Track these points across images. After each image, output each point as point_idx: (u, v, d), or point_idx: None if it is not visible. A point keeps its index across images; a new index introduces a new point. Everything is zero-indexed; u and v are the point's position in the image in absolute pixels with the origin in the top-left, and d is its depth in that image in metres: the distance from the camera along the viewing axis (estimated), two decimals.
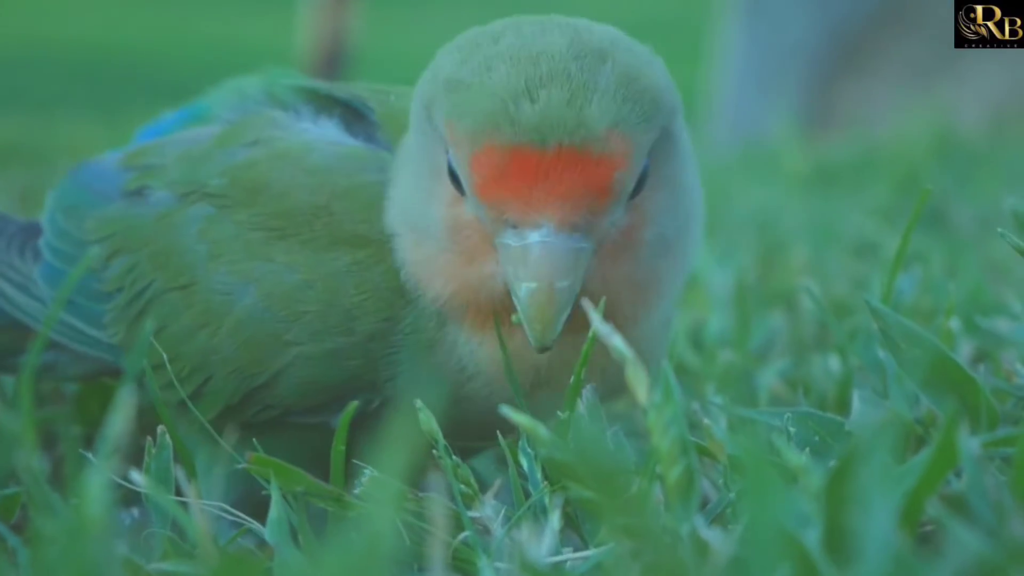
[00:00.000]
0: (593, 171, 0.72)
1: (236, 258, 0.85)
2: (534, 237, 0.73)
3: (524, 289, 0.73)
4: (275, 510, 0.74)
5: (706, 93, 5.43)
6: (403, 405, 0.79)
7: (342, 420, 0.78)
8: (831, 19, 5.02)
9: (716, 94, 5.24)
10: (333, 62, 6.17)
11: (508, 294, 0.76)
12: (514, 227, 0.73)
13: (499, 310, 0.78)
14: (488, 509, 0.74)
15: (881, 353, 0.91)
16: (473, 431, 0.82)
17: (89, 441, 0.94)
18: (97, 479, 0.60)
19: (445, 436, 0.77)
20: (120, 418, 0.64)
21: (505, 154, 0.72)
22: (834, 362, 1.15)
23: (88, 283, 0.91)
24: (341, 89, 0.93)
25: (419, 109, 0.79)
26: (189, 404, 0.83)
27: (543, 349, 0.74)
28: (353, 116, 0.90)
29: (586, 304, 0.73)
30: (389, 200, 0.82)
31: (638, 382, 0.68)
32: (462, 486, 0.75)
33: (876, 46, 4.99)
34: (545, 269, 0.73)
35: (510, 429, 0.75)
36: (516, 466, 0.77)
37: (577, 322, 0.75)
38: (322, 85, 0.95)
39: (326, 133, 0.89)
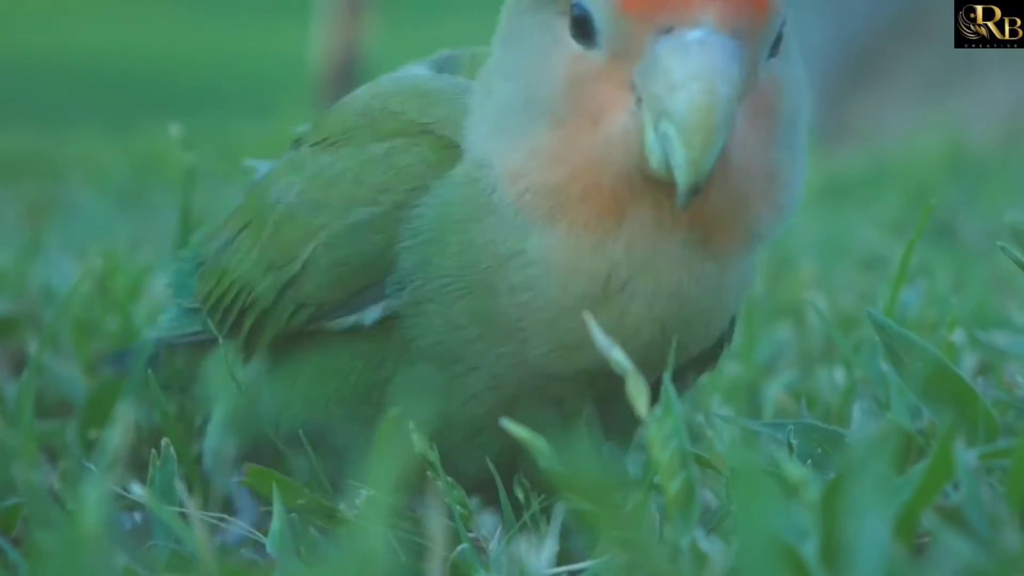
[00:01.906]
0: None
1: (292, 172, 0.86)
2: (694, 34, 0.67)
3: (683, 96, 0.66)
4: (277, 522, 0.74)
5: None
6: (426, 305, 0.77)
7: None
8: (844, 32, 5.02)
9: None
10: (346, 73, 6.18)
11: (639, 162, 0.69)
12: (668, 32, 0.68)
13: (624, 189, 0.71)
14: (485, 523, 0.74)
15: (883, 365, 0.91)
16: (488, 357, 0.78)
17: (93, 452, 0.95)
18: (95, 490, 0.60)
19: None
20: (119, 430, 0.64)
21: None
22: (839, 375, 1.15)
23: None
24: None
25: (519, 1, 0.76)
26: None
27: (694, 189, 0.67)
28: (446, 65, 0.88)
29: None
30: (468, 114, 0.78)
31: (639, 395, 0.67)
32: (457, 507, 0.75)
33: (889, 59, 4.99)
34: (707, 66, 0.66)
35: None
36: (503, 481, 0.77)
37: (683, 221, 0.70)
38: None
39: (415, 70, 0.88)
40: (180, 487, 0.74)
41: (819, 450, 0.84)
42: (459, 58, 0.88)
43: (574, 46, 0.71)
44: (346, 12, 6.62)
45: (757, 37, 0.70)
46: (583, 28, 0.71)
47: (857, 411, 0.90)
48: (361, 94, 0.88)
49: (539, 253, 0.73)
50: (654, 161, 0.68)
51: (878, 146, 3.72)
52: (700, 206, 0.69)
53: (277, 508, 0.75)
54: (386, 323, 0.79)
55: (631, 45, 0.69)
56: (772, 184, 0.73)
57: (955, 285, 1.59)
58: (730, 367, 1.24)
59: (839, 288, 1.63)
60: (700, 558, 0.65)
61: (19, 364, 1.24)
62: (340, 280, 0.80)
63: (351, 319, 0.80)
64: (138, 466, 0.99)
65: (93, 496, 0.59)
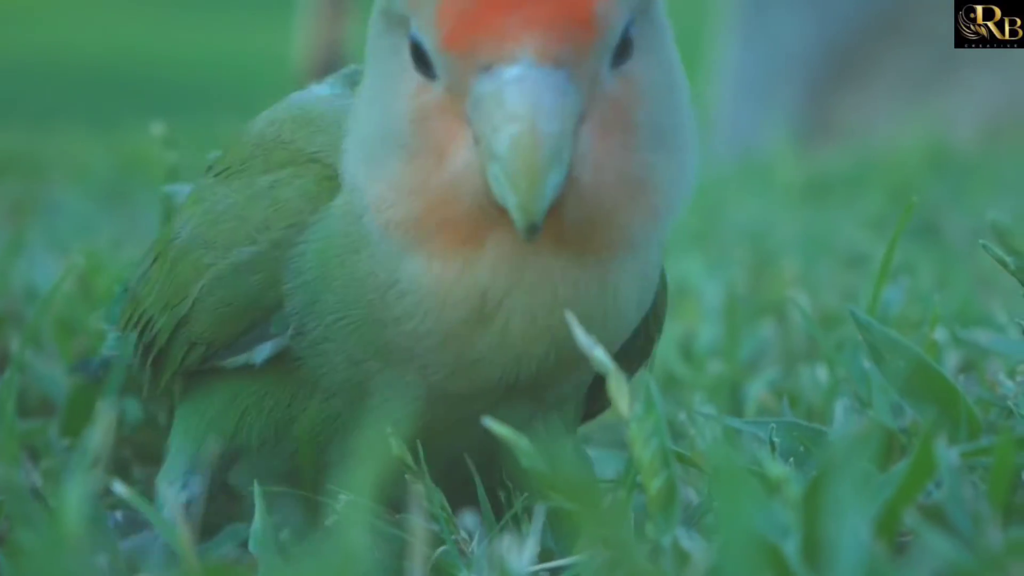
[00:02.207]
0: (575, 2, 0.65)
1: (193, 204, 0.85)
2: (511, 72, 0.64)
3: (503, 139, 0.64)
4: (259, 520, 0.74)
5: (702, 104, 5.44)
6: (319, 336, 0.76)
7: (303, 436, 0.76)
8: (827, 30, 5.03)
9: (712, 105, 5.24)
10: (328, 70, 6.17)
11: (486, 194, 0.66)
12: (488, 70, 0.65)
13: (475, 220, 0.69)
14: (466, 522, 0.74)
15: (866, 364, 0.91)
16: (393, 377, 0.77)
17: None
18: (77, 488, 0.60)
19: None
20: (101, 429, 0.64)
21: None
22: (822, 373, 1.15)
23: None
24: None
25: (376, 21, 0.73)
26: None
27: (531, 228, 0.64)
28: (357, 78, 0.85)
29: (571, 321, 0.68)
30: (345, 136, 0.76)
31: (620, 393, 0.67)
32: (439, 509, 0.74)
33: (872, 57, 4.99)
34: (525, 105, 0.64)
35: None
36: (481, 479, 0.77)
37: (546, 239, 0.67)
38: None
39: (319, 89, 0.87)
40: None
41: (801, 448, 0.84)
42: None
43: (417, 76, 0.69)
44: (328, 9, 6.62)
45: (587, 56, 0.66)
46: (421, 59, 0.69)
47: (839, 409, 0.90)
48: (260, 120, 0.86)
49: (411, 283, 0.72)
50: (495, 197, 0.66)
51: (861, 144, 3.73)
52: (556, 228, 0.67)
53: (259, 505, 0.75)
54: (286, 361, 0.78)
55: (460, 81, 0.67)
56: (641, 189, 0.70)
57: (938, 283, 1.60)
58: (713, 365, 1.24)
59: (822, 286, 1.64)
60: (682, 556, 0.65)
61: (1, 363, 1.24)
62: (226, 320, 0.79)
63: (241, 358, 0.79)
64: (119, 465, 1.00)
65: (75, 494, 0.59)
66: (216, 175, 0.85)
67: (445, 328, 0.72)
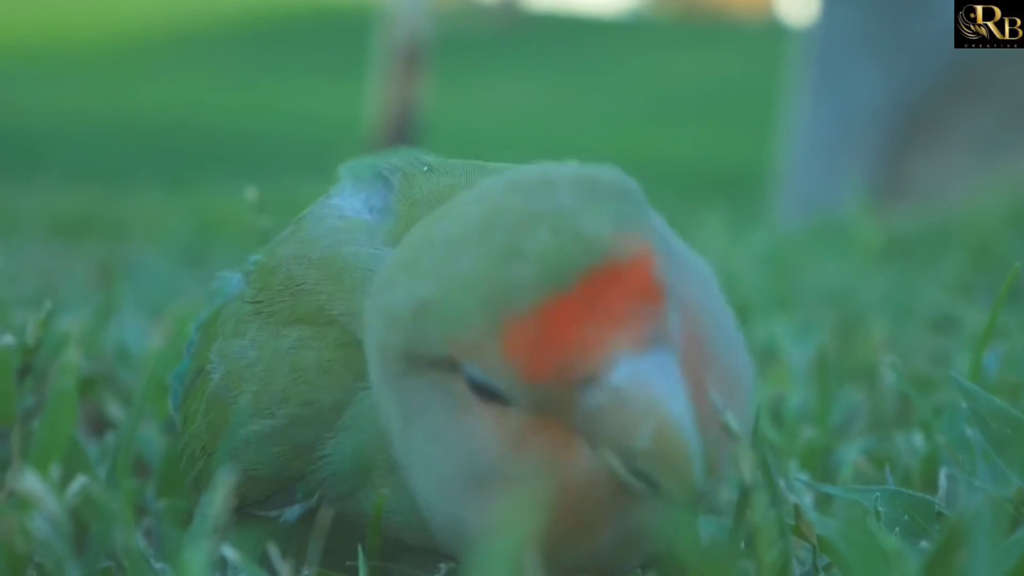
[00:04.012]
0: (631, 277, 0.62)
1: (225, 336, 0.83)
2: (619, 375, 0.61)
3: (644, 438, 0.61)
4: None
5: (773, 163, 5.43)
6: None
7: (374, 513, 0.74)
8: (900, 88, 5.01)
9: (785, 165, 5.23)
10: (402, 132, 6.22)
11: (614, 492, 0.63)
12: (589, 383, 0.62)
13: (601, 521, 0.65)
14: None
15: (969, 431, 0.91)
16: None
17: (175, 514, 0.95)
18: (198, 556, 0.60)
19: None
20: (219, 496, 0.65)
21: (532, 321, 0.61)
22: (918, 439, 1.14)
23: None
24: (395, 156, 0.85)
25: (391, 364, 0.68)
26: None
27: (696, 500, 0.62)
28: (385, 186, 0.82)
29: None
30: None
31: (745, 460, 0.66)
32: None
33: (945, 114, 4.97)
34: (650, 399, 0.61)
35: None
36: None
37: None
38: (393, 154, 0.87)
39: (346, 203, 0.82)
40: (273, 550, 0.74)
41: (906, 517, 0.83)
42: (390, 182, 0.82)
43: (487, 406, 0.64)
44: (401, 71, 6.67)
45: (665, 322, 0.63)
46: (487, 394, 0.64)
47: (943, 477, 0.89)
48: (287, 251, 0.82)
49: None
50: (636, 488, 0.63)
51: (938, 204, 3.70)
52: None
53: (362, 570, 0.75)
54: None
55: (556, 403, 0.63)
56: (736, 395, 0.68)
57: None
58: (805, 431, 1.23)
59: (910, 350, 1.63)
60: None
61: (97, 423, 1.25)
62: (252, 483, 0.78)
63: (273, 514, 0.78)
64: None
65: (197, 560, 0.60)
66: (252, 304, 0.82)
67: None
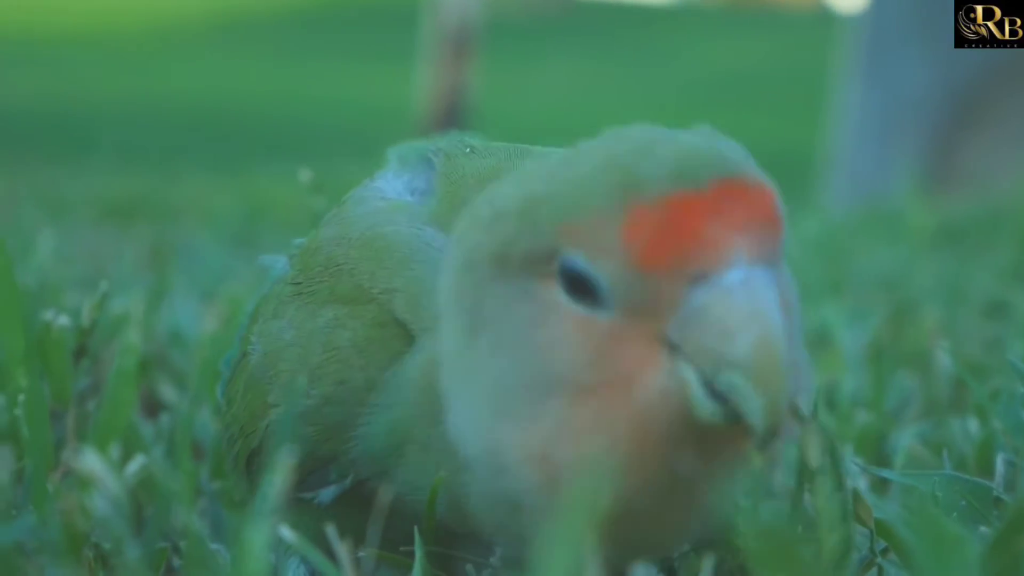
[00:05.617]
0: (757, 199, 0.64)
1: (265, 318, 0.83)
2: (734, 276, 0.62)
3: (743, 344, 0.61)
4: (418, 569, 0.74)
5: (823, 149, 5.41)
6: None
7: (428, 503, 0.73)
8: (950, 75, 4.97)
9: (834, 151, 5.21)
10: (451, 118, 6.23)
11: (684, 418, 0.63)
12: (702, 279, 0.63)
13: (667, 447, 0.64)
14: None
15: None
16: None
17: (226, 495, 0.96)
18: (259, 536, 0.60)
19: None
20: (279, 477, 0.65)
21: (661, 208, 0.62)
22: (973, 424, 1.13)
23: None
24: (441, 140, 0.86)
25: (477, 269, 0.69)
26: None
27: (770, 434, 0.62)
28: (428, 167, 0.83)
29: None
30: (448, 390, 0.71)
31: (812, 444, 0.66)
32: None
33: (995, 101, 4.93)
34: (760, 305, 0.62)
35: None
36: None
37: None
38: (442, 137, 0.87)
39: (388, 186, 0.83)
40: (331, 531, 0.74)
41: (963, 502, 0.83)
42: (433, 164, 0.82)
43: (575, 310, 0.65)
44: (450, 57, 6.68)
45: (779, 252, 0.66)
46: (582, 289, 0.65)
47: (1000, 462, 0.89)
48: (328, 233, 0.83)
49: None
50: (707, 414, 0.63)
51: (988, 189, 3.68)
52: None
53: (418, 552, 0.74)
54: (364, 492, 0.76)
55: (656, 300, 0.63)
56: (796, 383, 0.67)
57: None
58: (860, 416, 1.23)
59: (963, 335, 1.62)
60: None
61: (151, 405, 1.26)
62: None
63: (308, 495, 0.78)
64: None
65: (258, 541, 0.60)
66: (292, 285, 0.82)
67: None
